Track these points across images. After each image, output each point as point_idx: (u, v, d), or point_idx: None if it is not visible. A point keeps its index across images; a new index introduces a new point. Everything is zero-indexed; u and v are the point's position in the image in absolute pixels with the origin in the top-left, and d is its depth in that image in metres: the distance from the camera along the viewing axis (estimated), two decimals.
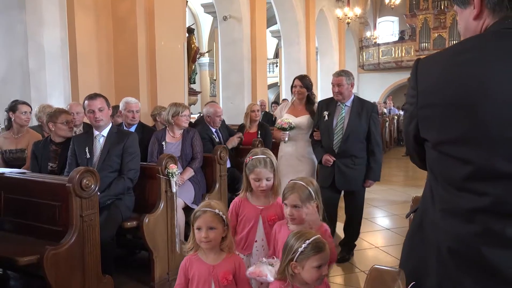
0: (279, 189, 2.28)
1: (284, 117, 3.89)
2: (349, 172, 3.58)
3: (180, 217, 3.53)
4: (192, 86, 8.21)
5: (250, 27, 10.17)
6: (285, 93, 14.29)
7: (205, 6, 11.16)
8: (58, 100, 5.29)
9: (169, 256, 3.32)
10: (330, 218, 3.16)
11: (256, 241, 2.25)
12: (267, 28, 15.98)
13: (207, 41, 18.60)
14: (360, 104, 3.63)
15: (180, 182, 3.58)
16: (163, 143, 3.91)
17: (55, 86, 5.36)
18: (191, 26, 7.85)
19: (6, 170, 3.18)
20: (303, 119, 3.89)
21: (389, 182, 7.72)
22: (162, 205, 3.28)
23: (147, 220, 3.14)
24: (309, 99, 3.99)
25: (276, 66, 19.74)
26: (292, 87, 4.00)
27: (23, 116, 3.85)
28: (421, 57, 1.11)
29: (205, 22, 18.12)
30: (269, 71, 19.85)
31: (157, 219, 3.23)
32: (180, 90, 6.53)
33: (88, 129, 3.51)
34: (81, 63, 5.58)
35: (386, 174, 8.75)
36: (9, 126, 3.91)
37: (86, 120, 3.77)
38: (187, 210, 3.73)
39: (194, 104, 7.90)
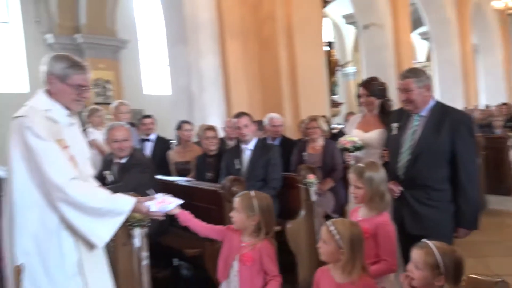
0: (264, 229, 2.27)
1: (353, 134, 3.18)
2: (422, 210, 2.50)
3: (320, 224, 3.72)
4: (336, 97, 8.39)
5: (393, 33, 9.89)
6: (440, 97, 13.27)
7: (346, 17, 11.27)
8: (216, 118, 6.06)
9: (312, 260, 3.52)
10: None
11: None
12: (414, 30, 15.15)
13: (352, 50, 18.52)
14: (442, 114, 2.55)
15: (319, 192, 3.77)
16: (304, 154, 4.18)
17: (213, 106, 6.19)
18: (330, 40, 8.05)
19: (177, 179, 3.86)
20: (374, 134, 3.06)
21: None
22: (303, 213, 3.53)
23: (289, 226, 3.42)
24: (383, 109, 3.13)
25: (427, 69, 18.41)
26: (358, 96, 3.23)
27: (186, 133, 4.58)
28: None
29: (349, 32, 18.09)
30: None
31: (299, 225, 3.49)
32: (322, 103, 6.77)
33: (238, 143, 4.00)
34: (233, 85, 6.29)
35: None
36: (178, 142, 4.71)
37: None
38: (329, 218, 3.90)
39: (337, 115, 8.05)
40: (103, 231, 1.97)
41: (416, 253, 1.68)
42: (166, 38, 6.67)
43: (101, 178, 3.33)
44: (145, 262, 2.47)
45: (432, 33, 12.91)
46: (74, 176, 1.92)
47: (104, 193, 2.04)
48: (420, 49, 19.59)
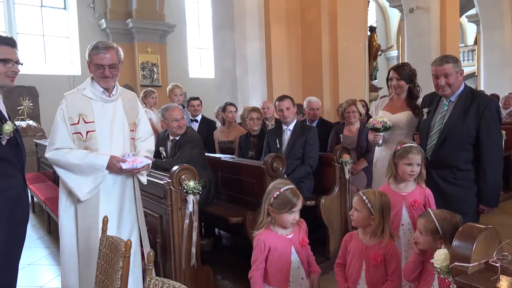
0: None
1: (380, 115, 3.27)
2: (447, 188, 2.71)
3: None
4: (375, 82, 8.47)
5: (439, 17, 9.72)
6: (484, 83, 12.92)
7: (390, 0, 11.12)
8: (258, 100, 6.38)
9: (343, 234, 3.82)
10: None
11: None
12: (464, 13, 14.63)
13: (396, 34, 18.16)
14: (470, 99, 2.71)
15: (353, 171, 4.04)
16: (341, 135, 4.43)
17: (255, 89, 6.50)
18: (373, 25, 8.10)
19: (222, 156, 4.24)
20: (401, 116, 3.20)
21: None
22: (336, 189, 3.81)
23: (323, 201, 3.73)
24: (411, 93, 3.24)
25: (474, 53, 17.77)
26: (387, 80, 3.32)
27: (229, 115, 4.93)
28: None
29: (394, 15, 17.72)
30: (466, 59, 18.04)
31: (332, 201, 3.78)
32: (361, 87, 6.92)
33: (279, 124, 4.30)
34: (275, 68, 6.57)
35: None
36: (223, 123, 5.07)
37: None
38: None
39: (375, 100, 8.13)
40: (85, 185, 2.40)
41: (419, 222, 1.99)
42: (212, 24, 7.02)
43: (157, 154, 3.77)
44: (195, 224, 2.86)
45: (481, 15, 12.49)
46: (60, 147, 2.39)
47: (83, 153, 2.42)
48: (467, 33, 18.88)
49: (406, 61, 10.25)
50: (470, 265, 1.20)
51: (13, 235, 1.99)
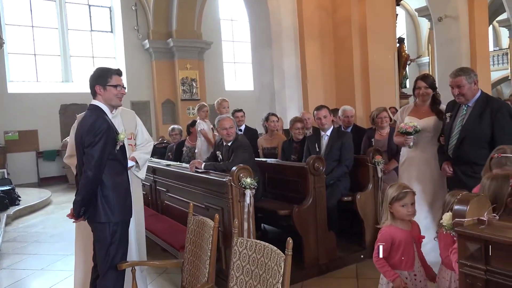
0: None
1: (407, 120, 3.64)
2: (469, 181, 2.98)
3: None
4: (405, 89, 8.88)
5: (468, 24, 9.97)
6: None
7: (419, 10, 11.49)
8: (294, 111, 6.97)
9: (375, 226, 4.29)
10: None
11: None
12: (495, 18, 14.72)
13: (426, 41, 18.35)
14: (484, 103, 3.18)
15: (385, 171, 4.51)
16: (372, 139, 4.92)
17: (292, 101, 7.10)
18: (401, 36, 8.55)
19: (268, 160, 4.83)
20: (429, 121, 3.62)
21: None
22: (370, 187, 4.30)
23: (359, 197, 4.23)
24: (435, 100, 3.65)
25: (507, 55, 17.66)
26: (414, 89, 3.70)
27: (272, 124, 5.52)
28: None
29: (424, 22, 17.94)
30: (500, 63, 17.95)
31: (367, 197, 4.28)
32: (391, 95, 7.37)
33: (317, 131, 4.85)
34: (310, 81, 7.15)
35: None
36: (266, 130, 5.68)
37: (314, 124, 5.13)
38: None
39: None
40: None
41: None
42: (250, 43, 7.69)
43: (214, 157, 4.40)
44: (252, 214, 3.44)
45: None
46: None
47: None
48: (501, 36, 18.76)
49: (436, 68, 10.56)
50: (465, 219, 1.72)
51: (125, 215, 2.63)
